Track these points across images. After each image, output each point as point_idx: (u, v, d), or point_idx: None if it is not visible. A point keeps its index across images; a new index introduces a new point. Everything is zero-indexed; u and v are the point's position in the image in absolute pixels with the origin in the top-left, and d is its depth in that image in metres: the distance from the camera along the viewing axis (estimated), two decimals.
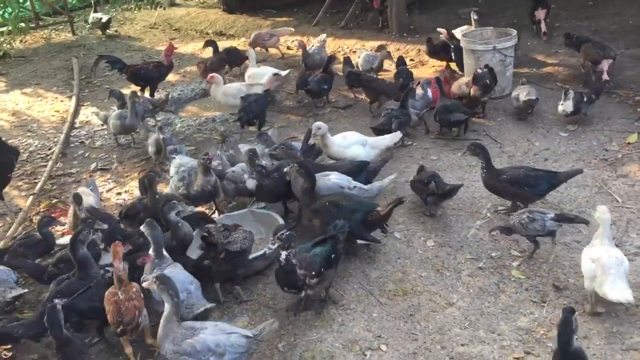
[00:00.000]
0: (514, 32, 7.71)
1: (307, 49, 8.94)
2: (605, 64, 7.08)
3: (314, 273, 4.11)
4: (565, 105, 6.49)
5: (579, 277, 4.32)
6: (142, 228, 4.28)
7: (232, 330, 3.59)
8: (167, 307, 3.62)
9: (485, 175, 5.13)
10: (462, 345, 3.89)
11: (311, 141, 5.96)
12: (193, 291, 4.08)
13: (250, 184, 5.34)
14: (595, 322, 3.93)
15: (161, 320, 3.65)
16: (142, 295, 3.94)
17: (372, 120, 7.34)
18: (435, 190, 5.19)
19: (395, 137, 6.15)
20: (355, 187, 5.16)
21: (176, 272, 4.12)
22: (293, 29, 10.97)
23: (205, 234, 4.40)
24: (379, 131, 6.51)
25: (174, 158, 5.96)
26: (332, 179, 5.17)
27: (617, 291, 3.79)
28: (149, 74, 8.66)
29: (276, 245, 4.12)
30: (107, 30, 14.09)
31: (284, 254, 4.11)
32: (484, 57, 7.49)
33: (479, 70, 6.97)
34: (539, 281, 4.37)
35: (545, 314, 4.05)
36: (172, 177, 5.78)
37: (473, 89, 6.95)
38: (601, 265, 3.91)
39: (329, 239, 4.38)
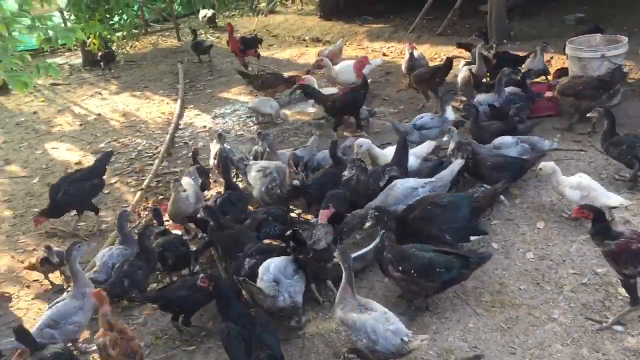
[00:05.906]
0: (625, 39, 7.32)
1: (414, 54, 8.89)
2: None
3: (400, 268, 4.14)
4: None
5: None
6: None
7: (393, 326, 3.67)
8: (343, 277, 3.89)
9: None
10: None
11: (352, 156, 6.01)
12: (282, 282, 4.15)
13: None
14: None
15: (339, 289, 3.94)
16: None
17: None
18: None
19: (431, 145, 6.26)
20: (425, 184, 5.16)
21: (279, 259, 4.31)
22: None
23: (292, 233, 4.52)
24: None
25: (247, 165, 6.07)
26: (399, 186, 5.16)
27: (614, 198, 4.75)
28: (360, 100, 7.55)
29: (370, 222, 4.35)
30: (214, 23, 15.37)
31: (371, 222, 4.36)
32: (591, 65, 7.16)
33: None
34: None
35: None
36: (254, 183, 5.84)
37: None
38: (585, 186, 4.80)
39: (460, 255, 4.27)
